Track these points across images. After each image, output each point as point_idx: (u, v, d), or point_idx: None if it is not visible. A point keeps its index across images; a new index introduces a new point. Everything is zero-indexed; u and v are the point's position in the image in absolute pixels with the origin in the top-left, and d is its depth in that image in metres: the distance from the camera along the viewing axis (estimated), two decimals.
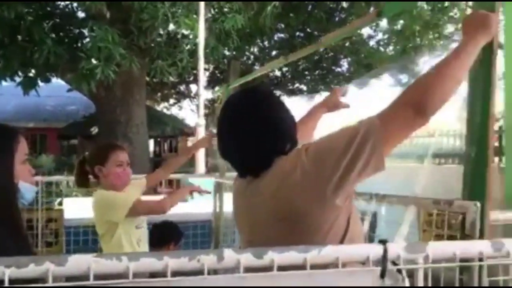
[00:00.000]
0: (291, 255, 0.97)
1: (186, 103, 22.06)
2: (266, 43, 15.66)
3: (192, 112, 21.90)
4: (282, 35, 15.27)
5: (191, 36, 10.18)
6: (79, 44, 10.12)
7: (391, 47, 14.13)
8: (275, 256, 0.95)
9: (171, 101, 21.95)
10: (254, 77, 4.48)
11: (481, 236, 1.37)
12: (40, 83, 10.42)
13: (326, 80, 15.70)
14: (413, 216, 2.79)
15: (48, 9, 10.75)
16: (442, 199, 1.61)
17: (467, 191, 1.52)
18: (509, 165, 4.03)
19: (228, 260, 0.94)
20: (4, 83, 10.63)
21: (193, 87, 18.95)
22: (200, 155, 6.44)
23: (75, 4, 11.15)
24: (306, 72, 16.69)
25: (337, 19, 13.26)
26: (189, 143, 18.17)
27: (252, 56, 16.48)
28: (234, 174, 1.51)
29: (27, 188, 1.38)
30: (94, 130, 14.49)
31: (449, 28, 13.14)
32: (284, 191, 1.26)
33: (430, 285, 1.27)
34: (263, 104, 1.38)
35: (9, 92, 14.95)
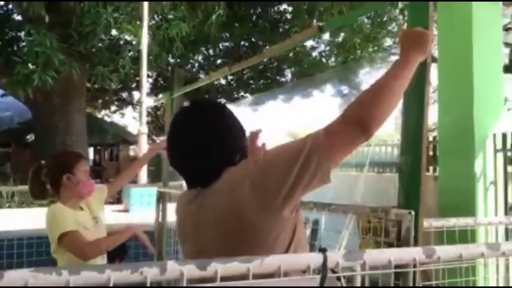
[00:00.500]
0: (234, 266, 0.98)
1: (128, 110, 21.62)
2: (211, 51, 15.66)
3: (134, 119, 21.48)
4: (227, 44, 15.33)
5: (134, 42, 10.02)
6: (15, 48, 9.70)
7: (333, 59, 14.52)
8: (218, 267, 0.96)
9: (113, 108, 21.42)
10: (198, 86, 4.47)
11: (416, 243, 1.43)
12: None
13: (271, 89, 15.90)
14: (352, 224, 2.88)
15: None
16: (379, 207, 1.68)
17: (402, 199, 1.59)
18: (442, 174, 4.23)
19: (171, 272, 0.94)
20: None
21: (135, 94, 18.59)
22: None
23: (10, 6, 10.69)
24: (251, 81, 16.82)
25: (281, 29, 13.48)
26: (131, 152, 17.80)
27: (196, 64, 16.42)
28: (177, 183, 1.51)
29: None
30: (30, 137, 13.89)
31: (388, 41, 13.70)
32: (232, 202, 1.27)
33: None
34: (214, 115, 1.39)
35: None
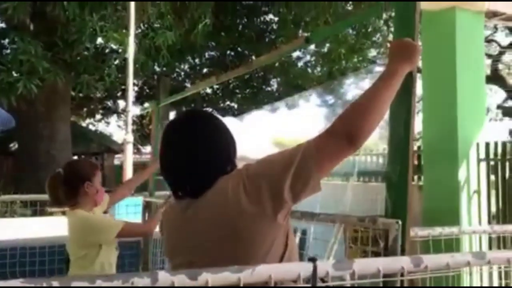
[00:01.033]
0: (225, 276, 0.98)
1: (113, 119, 21.47)
2: (197, 60, 15.66)
3: (119, 128, 21.34)
4: (213, 53, 15.35)
5: (120, 51, 9.98)
6: None
7: (318, 69, 14.63)
8: (209, 277, 0.97)
9: (97, 116, 21.26)
10: (185, 95, 4.48)
11: (403, 252, 1.45)
12: None
13: (257, 98, 15.93)
14: (340, 233, 2.89)
15: None
16: (366, 217, 1.69)
17: (389, 209, 1.61)
18: (426, 183, 4.28)
19: (162, 282, 0.94)
20: None
21: (121, 102, 18.50)
22: (128, 171, 6.28)
23: None
24: (237, 91, 16.85)
25: (267, 39, 13.55)
26: (116, 161, 17.65)
27: (182, 73, 16.40)
28: (163, 193, 1.51)
29: None
30: (14, 146, 13.70)
31: (372, 52, 13.86)
32: (225, 211, 1.28)
33: None
34: (205, 125, 1.42)
35: None
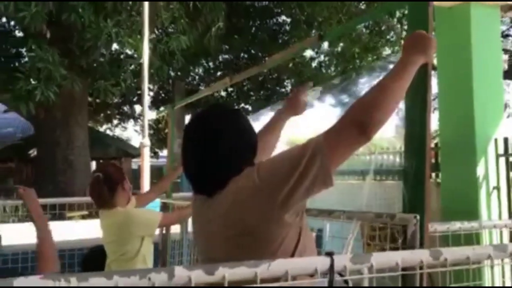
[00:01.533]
0: (241, 271, 0.98)
1: (130, 124, 21.66)
2: (211, 64, 15.72)
3: (136, 132, 21.51)
4: (226, 56, 15.40)
5: (135, 56, 10.07)
6: (17, 64, 9.75)
7: (332, 68, 14.57)
8: (226, 272, 0.96)
9: (115, 122, 21.47)
10: (199, 97, 4.50)
11: (421, 246, 1.44)
12: None
13: (271, 100, 15.93)
14: (357, 231, 2.87)
15: None
16: (384, 213, 1.68)
17: (407, 205, 1.60)
18: (445, 180, 4.22)
19: (179, 277, 0.94)
20: None
21: (137, 107, 18.65)
22: (146, 175, 6.31)
23: (12, 23, 10.76)
24: (251, 93, 16.87)
25: (280, 41, 13.55)
26: (134, 165, 17.79)
27: (197, 77, 16.48)
28: (180, 194, 1.52)
29: None
30: (32, 152, 13.90)
31: (387, 51, 13.76)
32: (235, 208, 1.28)
33: None
34: (220, 126, 1.38)
35: None
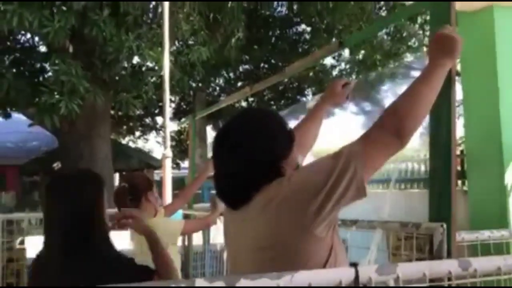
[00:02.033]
0: (263, 282, 0.96)
1: (152, 135, 21.88)
2: (231, 74, 15.81)
3: (158, 144, 21.70)
4: (247, 66, 15.47)
5: (156, 68, 10.19)
6: (41, 78, 9.96)
7: (353, 76, 14.50)
8: (247, 283, 0.94)
9: (137, 134, 21.73)
10: (220, 107, 4.50)
11: (449, 256, 1.39)
12: (0, 119, 10.16)
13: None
14: (380, 241, 2.82)
15: (8, 43, 10.58)
16: (409, 222, 1.64)
17: (433, 213, 1.55)
18: (472, 188, 4.13)
19: None
20: None
21: (158, 119, 18.84)
22: (168, 186, 6.35)
23: (36, 39, 11.02)
24: (272, 102, 16.90)
25: (300, 50, 13.55)
26: (156, 176, 17.94)
27: (217, 88, 16.58)
28: (201, 205, 1.51)
29: None
30: (57, 165, 14.13)
31: (409, 57, 13.63)
32: (264, 220, 1.25)
33: None
34: (251, 137, 1.33)
35: None
